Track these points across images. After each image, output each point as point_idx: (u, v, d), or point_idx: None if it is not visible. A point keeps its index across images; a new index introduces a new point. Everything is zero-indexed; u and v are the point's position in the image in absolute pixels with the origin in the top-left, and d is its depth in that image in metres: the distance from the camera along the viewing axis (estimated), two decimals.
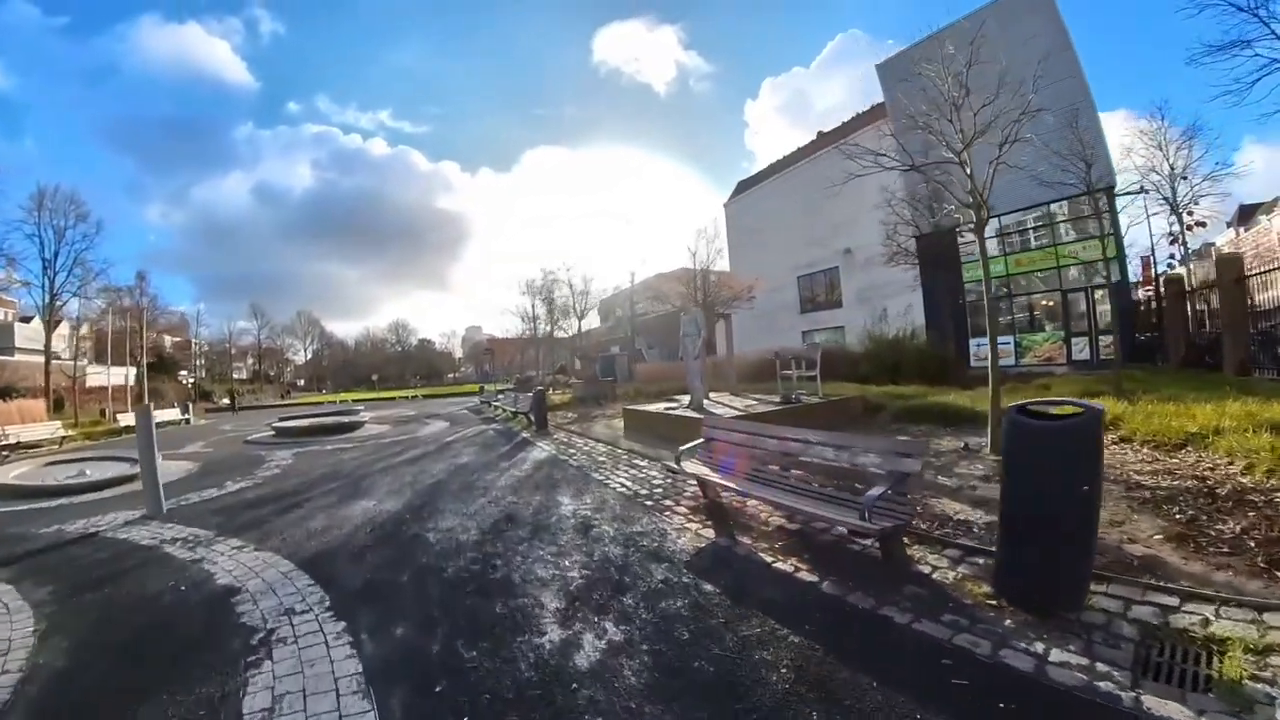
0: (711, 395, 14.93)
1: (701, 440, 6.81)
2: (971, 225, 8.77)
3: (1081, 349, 21.65)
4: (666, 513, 6.12)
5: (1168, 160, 25.93)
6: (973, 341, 22.84)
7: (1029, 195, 19.04)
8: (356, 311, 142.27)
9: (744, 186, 35.12)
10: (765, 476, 5.86)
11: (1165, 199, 25.72)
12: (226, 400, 54.64)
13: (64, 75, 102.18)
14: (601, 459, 9.63)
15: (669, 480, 7.47)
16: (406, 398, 46.09)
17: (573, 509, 6.53)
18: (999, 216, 20.34)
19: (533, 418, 14.61)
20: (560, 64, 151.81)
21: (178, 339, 66.32)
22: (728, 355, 21.76)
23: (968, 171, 8.59)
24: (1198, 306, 19.49)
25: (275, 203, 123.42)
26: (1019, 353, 22.92)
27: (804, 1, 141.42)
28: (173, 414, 27.81)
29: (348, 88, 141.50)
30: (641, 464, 8.90)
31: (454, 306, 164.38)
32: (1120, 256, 21.53)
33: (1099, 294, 21.62)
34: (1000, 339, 24.05)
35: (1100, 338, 21.42)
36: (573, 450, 10.67)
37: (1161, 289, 21.50)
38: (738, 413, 11.27)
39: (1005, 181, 17.08)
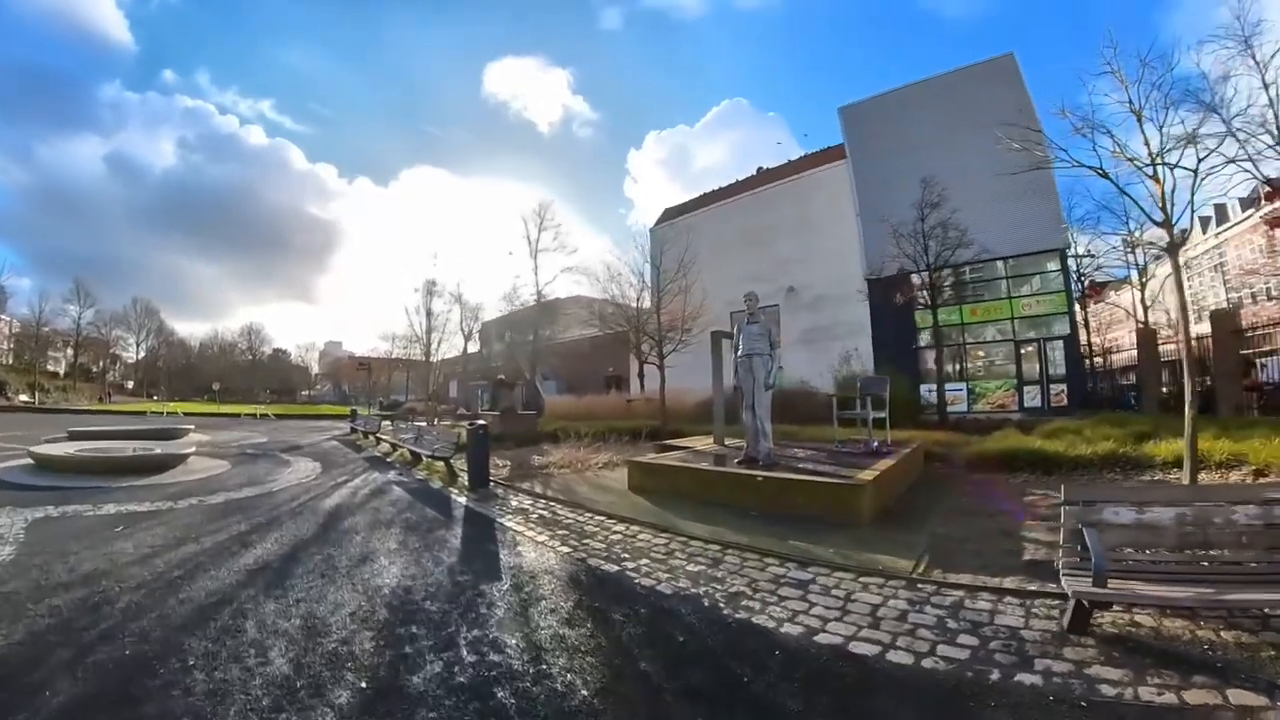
0: (725, 442, 10.59)
1: (1073, 526, 3.67)
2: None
3: (1033, 396, 21.42)
4: None
5: None
6: (923, 387, 21.16)
7: (987, 249, 18.57)
8: (206, 313, 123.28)
9: (673, 213, 31.55)
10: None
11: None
12: (24, 398, 43.19)
13: None
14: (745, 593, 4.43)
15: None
16: (254, 416, 37.60)
17: None
18: (955, 267, 19.08)
19: (461, 468, 9.59)
20: (453, 86, 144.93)
21: None
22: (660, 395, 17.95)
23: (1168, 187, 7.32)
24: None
25: (131, 178, 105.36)
26: (971, 399, 22.24)
27: (697, 65, 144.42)
28: None
29: (233, 68, 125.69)
30: (855, 590, 4.28)
31: (315, 319, 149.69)
32: (1070, 311, 21.80)
33: (1050, 345, 21.57)
34: (954, 385, 22.75)
35: (1051, 386, 21.23)
36: (619, 558, 5.31)
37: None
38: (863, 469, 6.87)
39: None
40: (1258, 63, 8.87)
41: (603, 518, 6.84)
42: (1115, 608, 3.57)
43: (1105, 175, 8.26)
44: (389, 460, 13.01)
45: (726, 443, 10.63)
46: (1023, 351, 22.01)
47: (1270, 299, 27.17)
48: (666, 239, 24.52)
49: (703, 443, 10.96)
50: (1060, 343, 21.39)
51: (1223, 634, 3.35)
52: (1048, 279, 21.84)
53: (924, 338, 22.80)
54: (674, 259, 19.60)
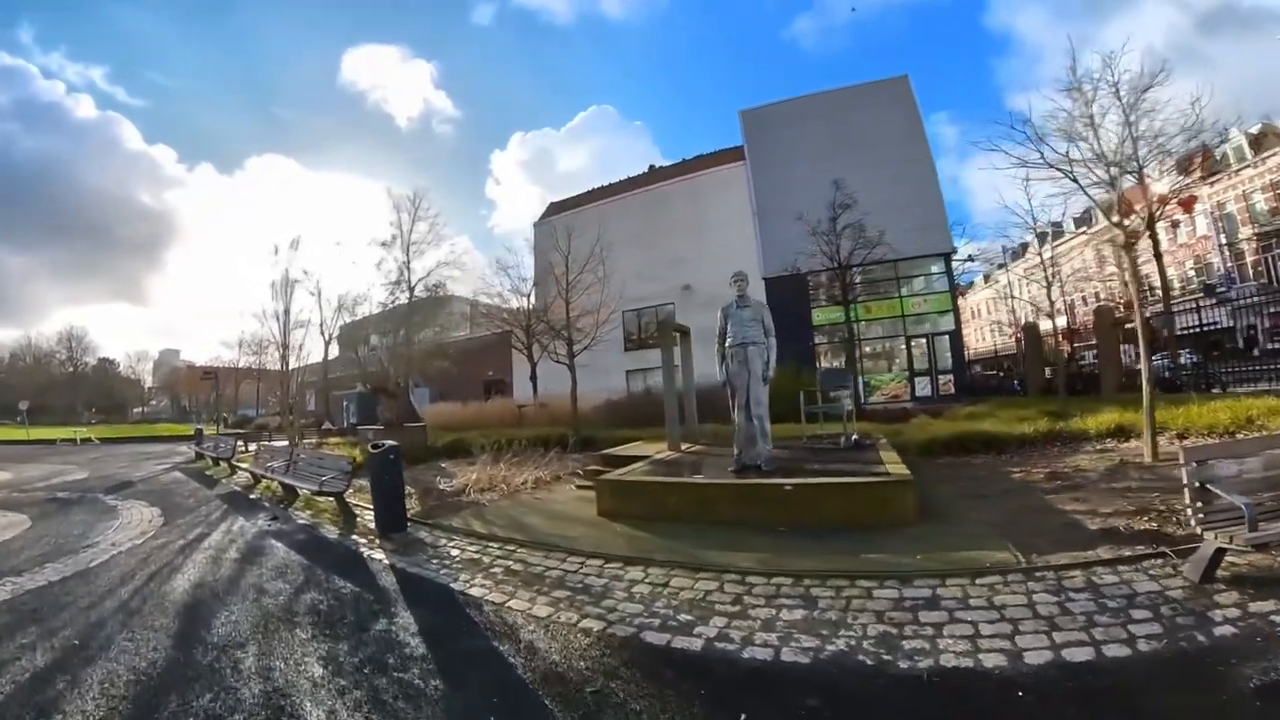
0: (683, 447, 9.05)
1: (1196, 483, 3.87)
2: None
3: (924, 387, 22.57)
4: None
5: None
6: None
7: (880, 252, 18.91)
8: (15, 315, 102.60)
9: (559, 208, 29.48)
10: None
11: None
12: None
13: None
14: None
15: None
16: (74, 441, 31.07)
17: None
18: (860, 267, 19.28)
19: (358, 504, 7.35)
20: (307, 69, 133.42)
21: None
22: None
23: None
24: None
25: None
26: (867, 391, 22.90)
27: (565, 69, 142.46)
28: None
29: (61, 25, 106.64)
30: None
31: (147, 324, 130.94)
32: (955, 309, 23.37)
33: (938, 340, 22.90)
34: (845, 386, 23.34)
35: (940, 377, 22.60)
36: (677, 623, 3.85)
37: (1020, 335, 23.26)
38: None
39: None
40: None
41: (597, 561, 5.19)
42: (1230, 555, 3.77)
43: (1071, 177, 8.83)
44: (253, 496, 10.26)
45: (684, 448, 9.15)
46: (913, 346, 22.70)
47: (1099, 301, 30.48)
48: (548, 234, 22.86)
49: (651, 449, 9.36)
50: (946, 337, 22.70)
51: None
52: (933, 280, 22.85)
53: (818, 336, 23.15)
54: (585, 247, 17.63)
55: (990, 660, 3.08)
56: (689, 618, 3.89)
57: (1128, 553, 4.21)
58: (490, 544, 5.99)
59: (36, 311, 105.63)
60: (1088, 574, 3.96)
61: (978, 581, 4.01)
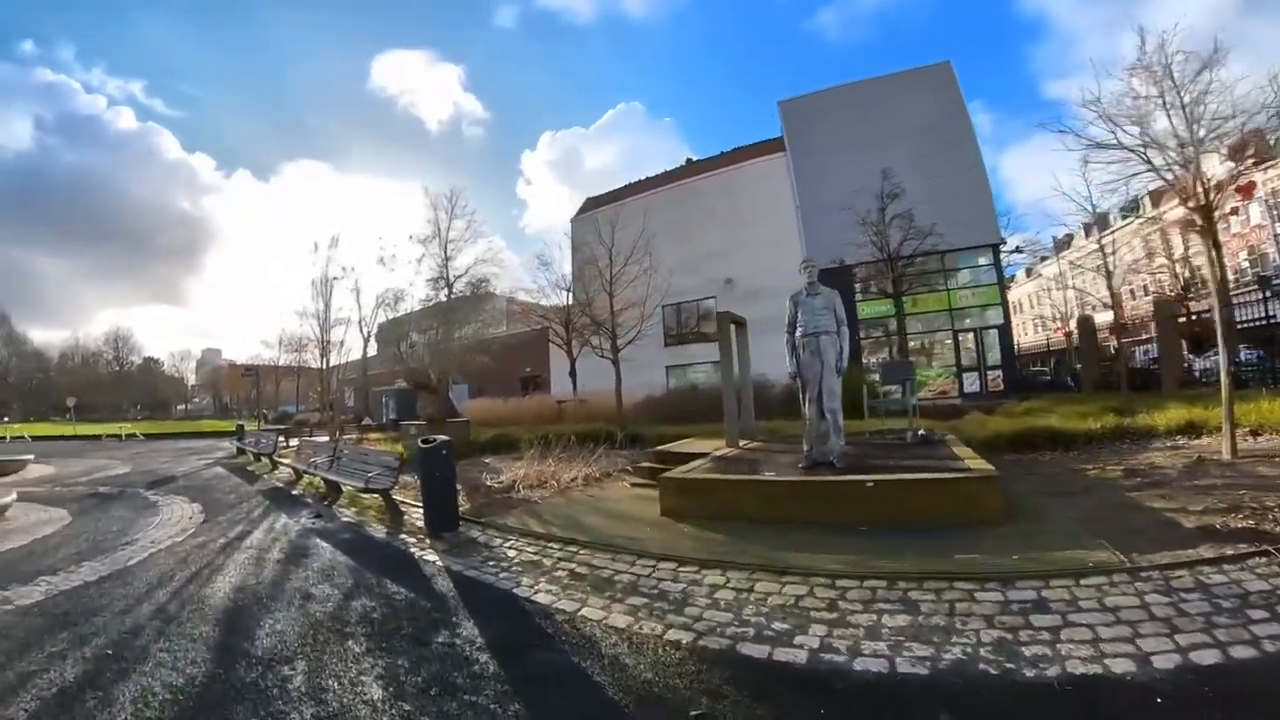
0: (741, 444, 8.51)
1: None
2: None
3: (972, 382, 21.56)
4: None
5: None
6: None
7: (931, 242, 18.43)
8: (63, 318, 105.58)
9: (595, 203, 28.97)
10: None
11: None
12: None
13: None
14: None
15: None
16: (118, 437, 31.55)
17: None
18: (903, 259, 18.60)
19: (406, 502, 6.95)
20: (337, 76, 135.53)
21: None
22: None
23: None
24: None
25: None
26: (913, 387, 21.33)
27: (591, 68, 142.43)
28: None
29: (100, 43, 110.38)
30: None
31: (189, 325, 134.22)
32: (1003, 301, 22.17)
33: (987, 334, 21.73)
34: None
35: (988, 372, 21.51)
36: (772, 633, 3.46)
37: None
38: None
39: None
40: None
41: (669, 564, 4.72)
42: None
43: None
44: (295, 492, 9.95)
45: (742, 444, 8.58)
46: (961, 340, 21.74)
47: (1148, 294, 29.17)
48: (587, 229, 22.43)
49: (706, 446, 8.78)
50: (995, 331, 21.64)
51: None
52: (980, 272, 21.82)
53: (864, 330, 22.31)
54: (628, 239, 17.08)
55: (1118, 665, 2.84)
56: (785, 626, 3.47)
57: (1230, 551, 4.00)
58: (549, 545, 5.50)
59: (82, 314, 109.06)
60: (1194, 573, 3.73)
61: (1082, 582, 3.75)
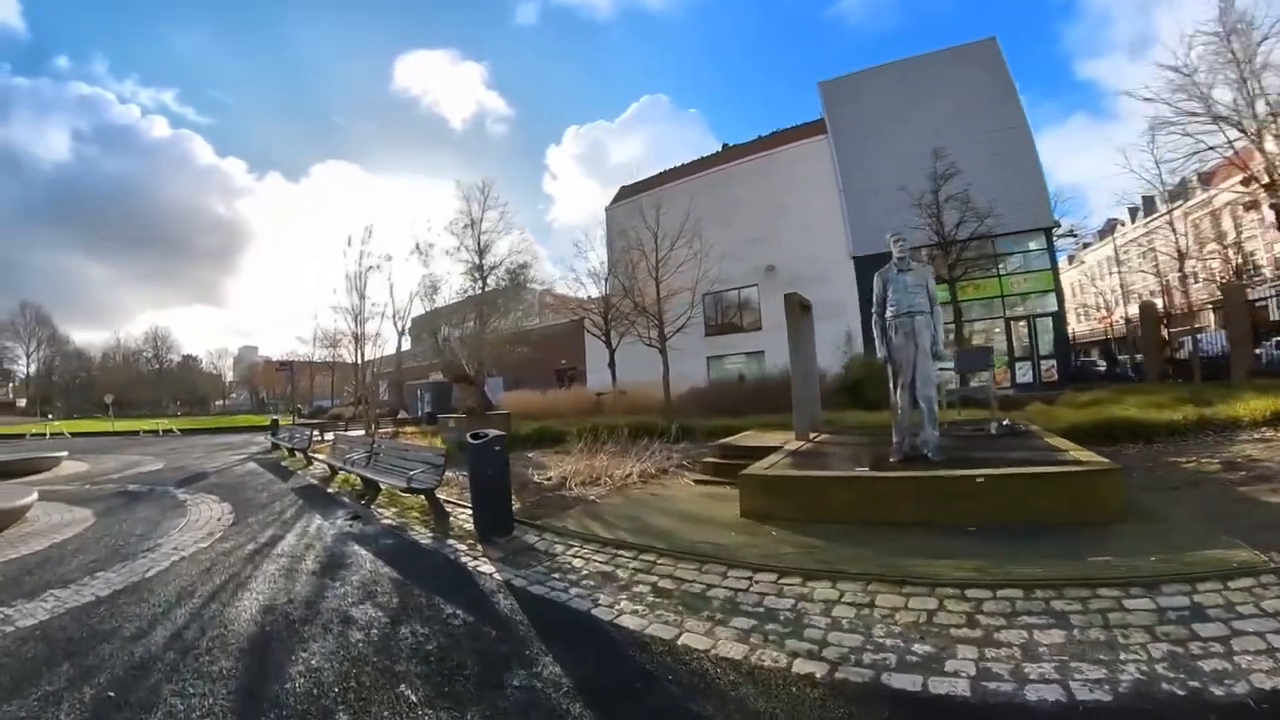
0: (811, 436, 7.69)
1: None
2: None
3: (1024, 372, 20.29)
4: None
5: None
6: None
7: (990, 224, 17.11)
8: (104, 319, 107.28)
9: (630, 191, 28.12)
10: None
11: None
12: None
13: None
14: None
15: None
16: (156, 432, 31.56)
17: None
18: (958, 242, 17.34)
19: (452, 501, 6.27)
20: (361, 78, 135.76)
21: None
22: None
23: None
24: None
25: (16, 171, 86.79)
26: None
27: (614, 62, 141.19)
28: None
29: (132, 55, 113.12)
30: None
31: (226, 324, 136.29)
32: (1057, 288, 20.91)
33: (1040, 322, 20.54)
34: (945, 364, 21.47)
35: (1042, 362, 20.26)
36: (918, 659, 2.84)
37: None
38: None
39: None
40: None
41: (768, 576, 3.99)
42: None
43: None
44: (330, 490, 9.33)
45: (812, 437, 7.76)
46: (1013, 328, 20.52)
47: (1198, 282, 27.59)
48: (624, 217, 21.69)
49: (770, 439, 7.95)
50: (1049, 319, 20.42)
51: None
52: (1031, 257, 20.59)
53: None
54: (673, 224, 16.20)
55: None
56: (927, 649, 2.90)
57: None
58: (620, 553, 4.73)
59: (122, 315, 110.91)
60: None
61: (1230, 585, 3.32)
